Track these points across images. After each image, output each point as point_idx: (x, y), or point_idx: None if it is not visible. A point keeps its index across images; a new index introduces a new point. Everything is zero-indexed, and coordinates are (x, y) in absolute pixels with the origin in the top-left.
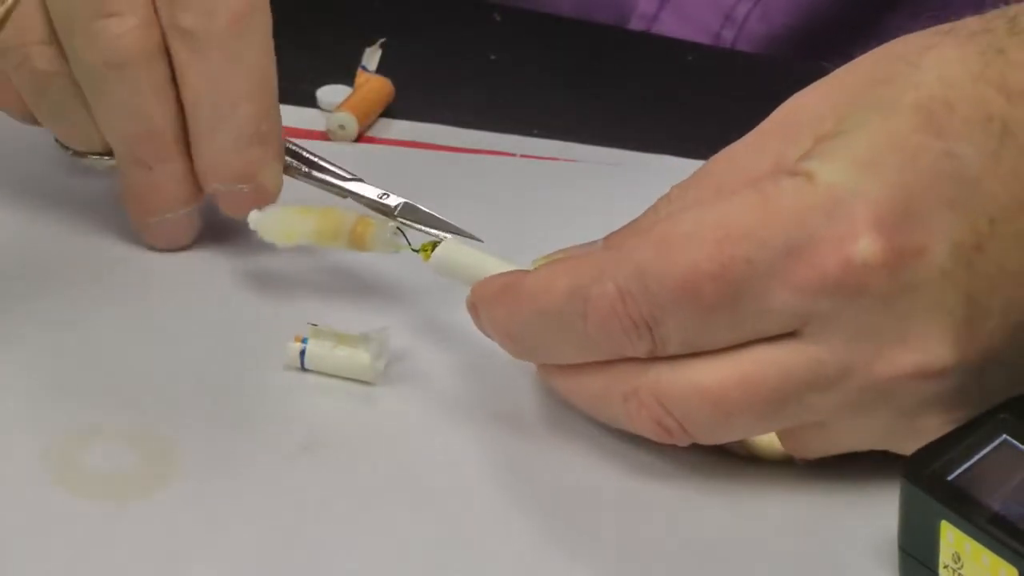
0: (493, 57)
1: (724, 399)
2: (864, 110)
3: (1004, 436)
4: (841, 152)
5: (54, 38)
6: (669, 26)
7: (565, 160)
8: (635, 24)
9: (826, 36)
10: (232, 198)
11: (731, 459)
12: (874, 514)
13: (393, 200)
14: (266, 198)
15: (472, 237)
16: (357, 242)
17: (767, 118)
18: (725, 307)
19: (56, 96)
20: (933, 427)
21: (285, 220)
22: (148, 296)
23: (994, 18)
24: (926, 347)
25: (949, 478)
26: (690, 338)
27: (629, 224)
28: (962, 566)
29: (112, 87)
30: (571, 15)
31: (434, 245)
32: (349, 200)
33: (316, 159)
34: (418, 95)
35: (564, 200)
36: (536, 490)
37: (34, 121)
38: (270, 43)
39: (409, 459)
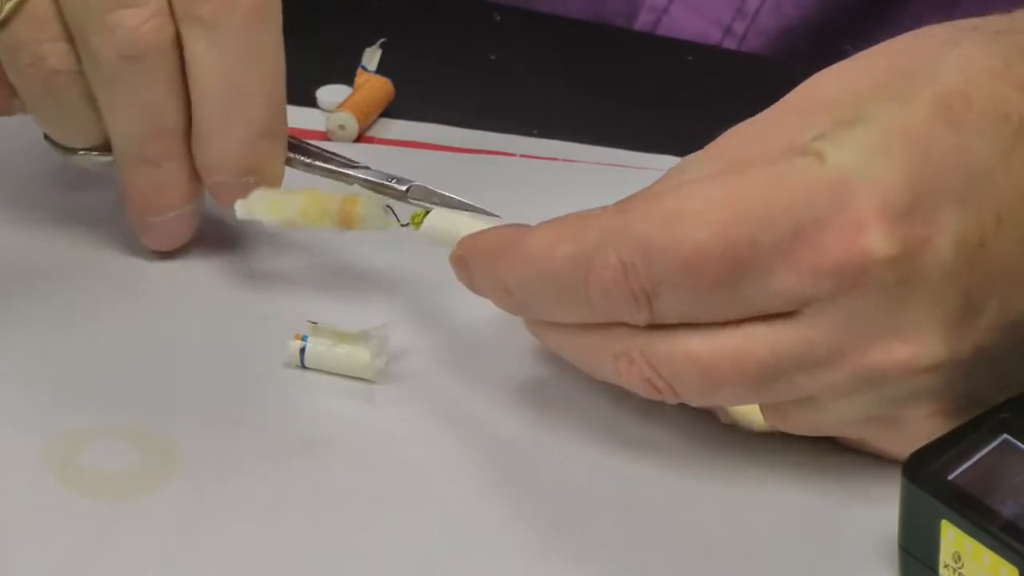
0: (493, 57)
1: (714, 369)
2: (883, 99)
3: (1004, 436)
4: (855, 136)
5: (68, 35)
6: (679, 19)
7: (565, 160)
8: (645, 16)
9: (838, 28)
10: (235, 191)
11: (732, 458)
12: (874, 513)
13: (403, 185)
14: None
15: (489, 214)
16: (346, 220)
17: (786, 96)
18: (726, 286)
19: (64, 95)
20: (915, 419)
21: (273, 200)
22: (148, 296)
23: (1021, 17)
24: (919, 340)
25: (950, 477)
26: (688, 312)
27: (641, 191)
28: (963, 565)
29: (126, 81)
30: (581, 9)
31: (425, 215)
32: (356, 186)
33: (319, 151)
34: (418, 95)
35: (564, 200)
36: (535, 489)
37: (5, 113)
38: (282, 35)
39: (408, 457)
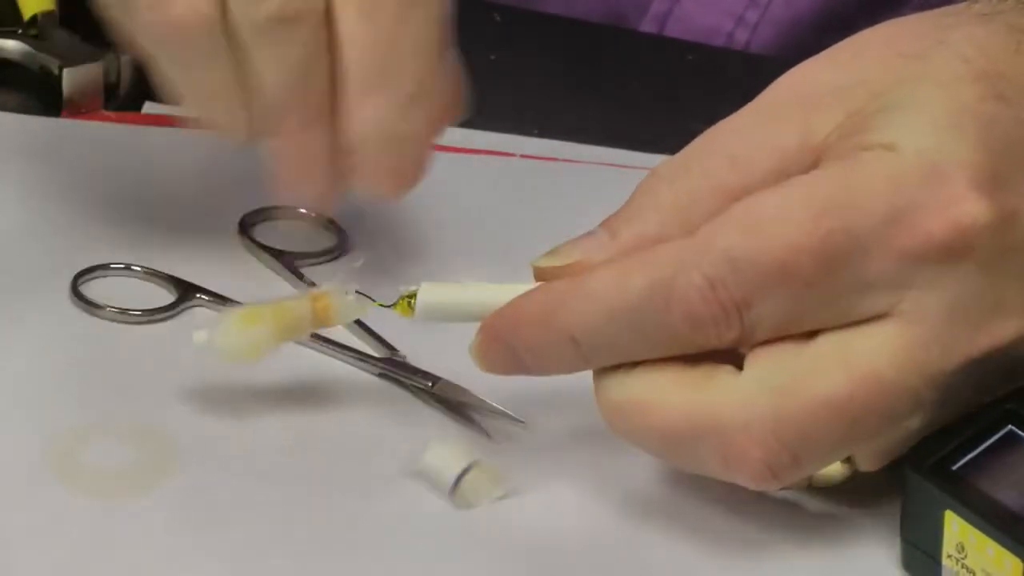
0: (493, 57)
1: (849, 404)
2: (911, 83)
3: (1009, 426)
4: (914, 121)
5: None
6: (689, 10)
7: (565, 160)
8: (656, 8)
9: (849, 19)
10: (379, 167)
11: None
12: (878, 503)
13: (428, 380)
14: (417, 169)
15: (518, 421)
16: (323, 319)
17: (767, 91)
18: (823, 282)
19: (207, 46)
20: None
21: (240, 337)
22: (138, 285)
23: (998, 1)
24: (1019, 311)
25: (954, 467)
26: (782, 320)
27: (621, 211)
28: (966, 556)
29: (278, 42)
30: (594, 3)
31: (410, 296)
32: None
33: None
34: None
35: (564, 200)
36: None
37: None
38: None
39: (396, 448)
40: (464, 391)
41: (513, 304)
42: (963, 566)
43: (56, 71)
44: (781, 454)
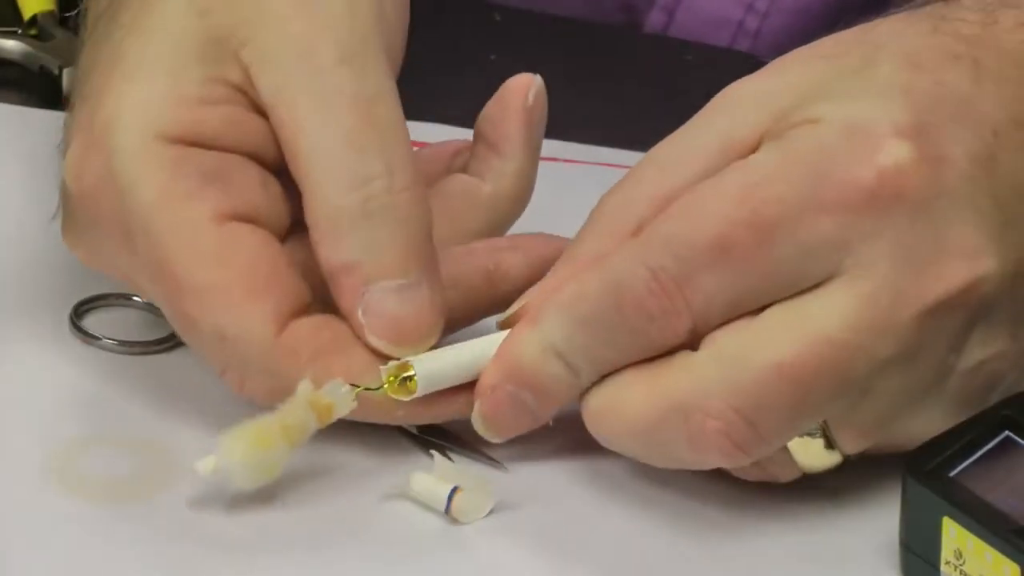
0: (493, 57)
1: (801, 368)
2: (835, 75)
3: (1006, 432)
4: (838, 99)
5: None
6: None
7: (565, 160)
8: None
9: (858, 7)
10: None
11: None
12: (876, 510)
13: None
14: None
15: (500, 465)
16: (326, 420)
17: (697, 115)
18: (763, 254)
19: None
20: (974, 360)
21: (254, 462)
22: (138, 316)
23: (925, 3)
24: (968, 251)
25: (951, 474)
26: (730, 300)
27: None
28: (964, 562)
29: None
30: None
31: (398, 373)
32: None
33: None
34: (418, 95)
35: (564, 201)
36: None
37: None
38: None
39: (394, 467)
40: (449, 433)
41: (498, 352)
42: (961, 572)
43: (56, 71)
44: (738, 424)
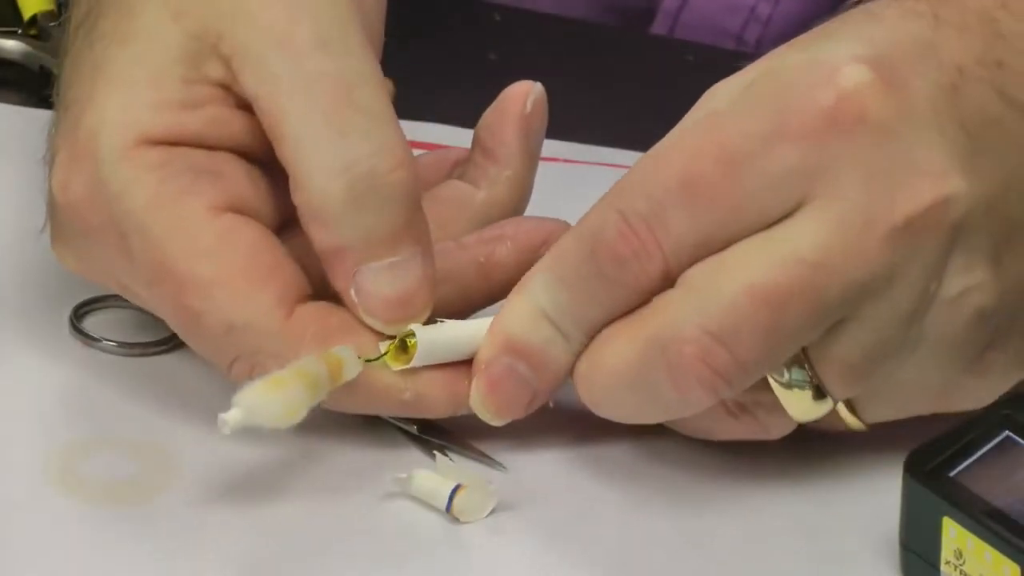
0: (493, 57)
1: (775, 290)
2: (795, 51)
3: (1006, 432)
4: (800, 48)
5: None
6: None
7: (565, 160)
8: (669, 3)
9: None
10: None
11: (733, 456)
12: (876, 510)
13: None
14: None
15: (499, 465)
16: (336, 379)
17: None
18: (730, 187)
19: None
20: (955, 290)
21: (275, 402)
22: (137, 317)
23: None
24: (935, 171)
25: (951, 474)
26: (701, 237)
27: None
28: (964, 562)
29: None
30: None
31: (401, 342)
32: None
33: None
34: (418, 95)
35: (564, 201)
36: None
37: None
38: None
39: (394, 468)
40: (450, 433)
41: (491, 325)
42: (961, 572)
43: (56, 71)
44: (714, 348)
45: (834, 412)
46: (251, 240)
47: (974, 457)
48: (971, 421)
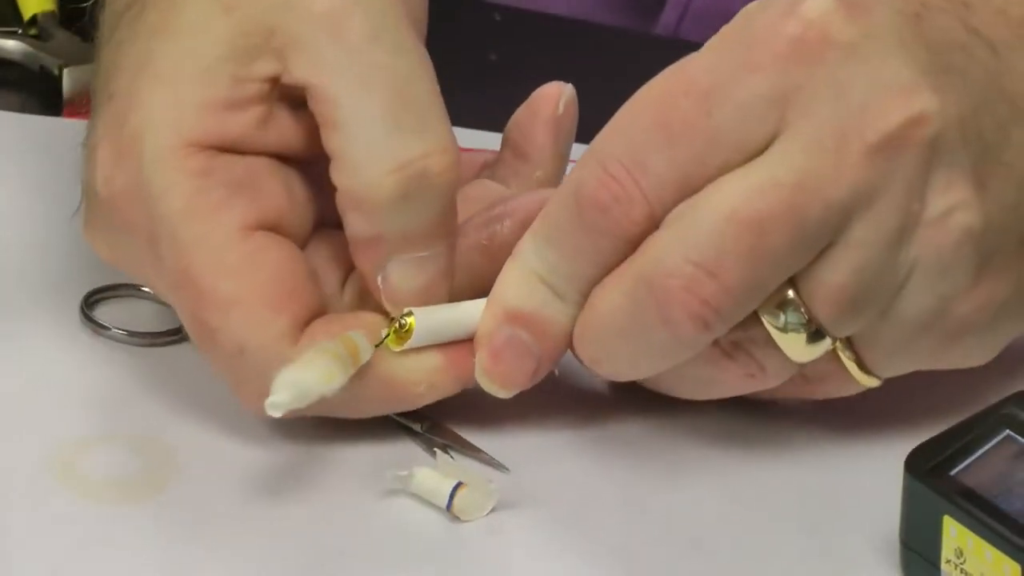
0: (493, 57)
1: (755, 214)
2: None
3: (1007, 431)
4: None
5: None
6: None
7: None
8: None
9: None
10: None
11: (732, 454)
12: (876, 508)
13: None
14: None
15: (502, 466)
16: (356, 362)
17: None
18: (704, 122)
19: None
20: (939, 209)
21: (307, 371)
22: (147, 307)
23: None
24: (905, 87)
25: (952, 473)
26: (681, 175)
27: None
28: (965, 561)
29: None
30: None
31: (399, 326)
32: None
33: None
34: None
35: None
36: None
37: None
38: None
39: (400, 453)
40: (453, 434)
41: (490, 295)
42: (962, 571)
43: (56, 71)
44: (699, 277)
45: (845, 371)
46: (276, 262)
47: (975, 456)
48: (971, 420)
